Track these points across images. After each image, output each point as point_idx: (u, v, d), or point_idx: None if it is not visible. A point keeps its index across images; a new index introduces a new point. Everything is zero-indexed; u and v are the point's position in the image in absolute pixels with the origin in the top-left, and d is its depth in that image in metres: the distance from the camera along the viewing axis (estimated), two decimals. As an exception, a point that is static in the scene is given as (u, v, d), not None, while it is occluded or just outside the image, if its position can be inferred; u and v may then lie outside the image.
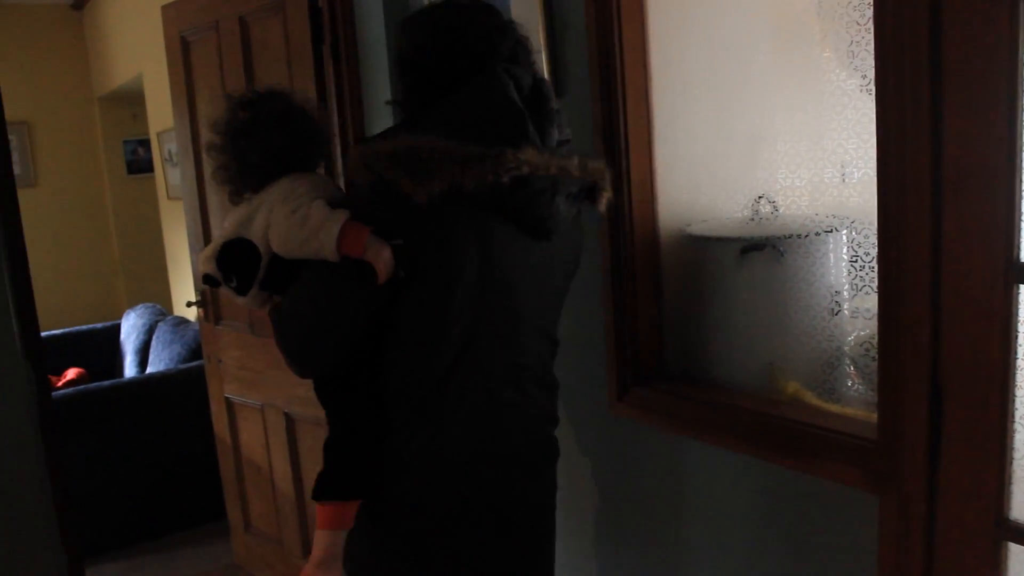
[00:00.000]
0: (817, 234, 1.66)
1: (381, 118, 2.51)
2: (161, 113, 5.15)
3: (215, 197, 3.21)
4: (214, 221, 3.23)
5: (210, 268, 1.62)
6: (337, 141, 2.58)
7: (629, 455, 1.99)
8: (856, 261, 1.62)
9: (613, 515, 2.07)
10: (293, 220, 1.48)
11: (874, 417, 1.50)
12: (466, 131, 1.43)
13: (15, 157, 6.01)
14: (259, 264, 1.58)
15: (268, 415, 3.14)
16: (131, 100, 6.23)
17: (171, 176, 5.31)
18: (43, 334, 2.32)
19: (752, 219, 1.82)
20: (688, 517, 1.85)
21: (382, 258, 1.42)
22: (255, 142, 1.60)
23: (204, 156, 3.22)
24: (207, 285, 1.67)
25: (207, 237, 3.25)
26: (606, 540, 2.12)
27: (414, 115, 1.54)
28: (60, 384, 4.87)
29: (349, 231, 1.42)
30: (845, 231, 1.69)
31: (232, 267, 1.60)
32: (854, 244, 1.64)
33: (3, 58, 5.86)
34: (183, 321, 4.70)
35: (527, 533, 1.68)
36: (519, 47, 1.57)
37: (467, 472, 1.56)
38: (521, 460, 1.63)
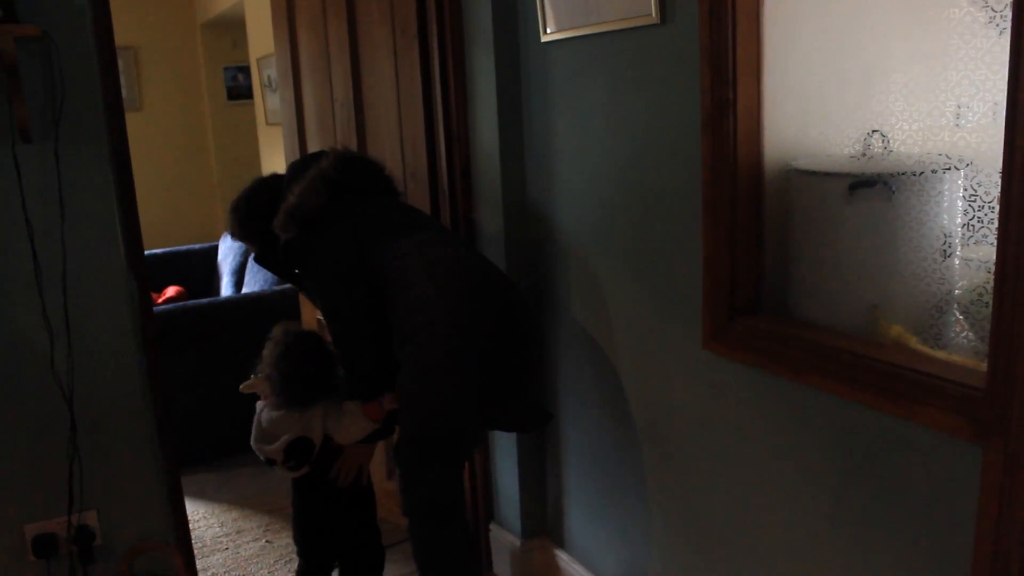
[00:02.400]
0: (934, 171, 1.58)
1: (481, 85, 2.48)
2: (261, 40, 5.21)
3: (313, 123, 3.24)
4: (312, 144, 3.26)
5: (279, 457, 2.42)
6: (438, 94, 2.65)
7: (719, 395, 1.96)
8: (975, 201, 1.54)
9: (699, 453, 2.05)
10: (346, 418, 2.43)
11: (982, 366, 1.44)
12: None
13: (122, 81, 6.16)
14: (313, 451, 2.43)
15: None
16: (231, 27, 6.31)
17: (270, 102, 5.38)
18: (145, 253, 2.38)
19: (862, 155, 1.74)
20: (776, 459, 1.82)
21: (388, 403, 2.39)
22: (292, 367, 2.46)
23: (304, 80, 3.24)
24: (266, 464, 2.49)
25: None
26: (690, 479, 2.10)
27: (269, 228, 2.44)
28: (160, 301, 5.04)
29: (368, 408, 2.40)
30: (963, 170, 1.61)
31: (295, 455, 2.42)
32: (974, 183, 1.55)
33: (112, -18, 5.97)
34: (278, 245, 4.79)
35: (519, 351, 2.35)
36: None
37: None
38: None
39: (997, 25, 1.51)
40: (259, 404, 2.51)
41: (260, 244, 2.57)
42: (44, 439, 2.24)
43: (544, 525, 2.82)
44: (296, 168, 2.49)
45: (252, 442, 2.46)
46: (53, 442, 2.24)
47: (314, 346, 2.51)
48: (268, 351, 2.49)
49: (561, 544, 2.75)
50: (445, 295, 2.19)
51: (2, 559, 2.25)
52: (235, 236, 2.69)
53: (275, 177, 2.61)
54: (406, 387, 2.26)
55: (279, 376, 2.42)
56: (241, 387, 2.51)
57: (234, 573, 3.07)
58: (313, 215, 2.33)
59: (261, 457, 2.44)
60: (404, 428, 2.31)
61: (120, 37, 2.38)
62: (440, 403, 2.23)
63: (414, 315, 2.20)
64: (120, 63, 2.40)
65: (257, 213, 2.51)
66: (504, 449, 2.80)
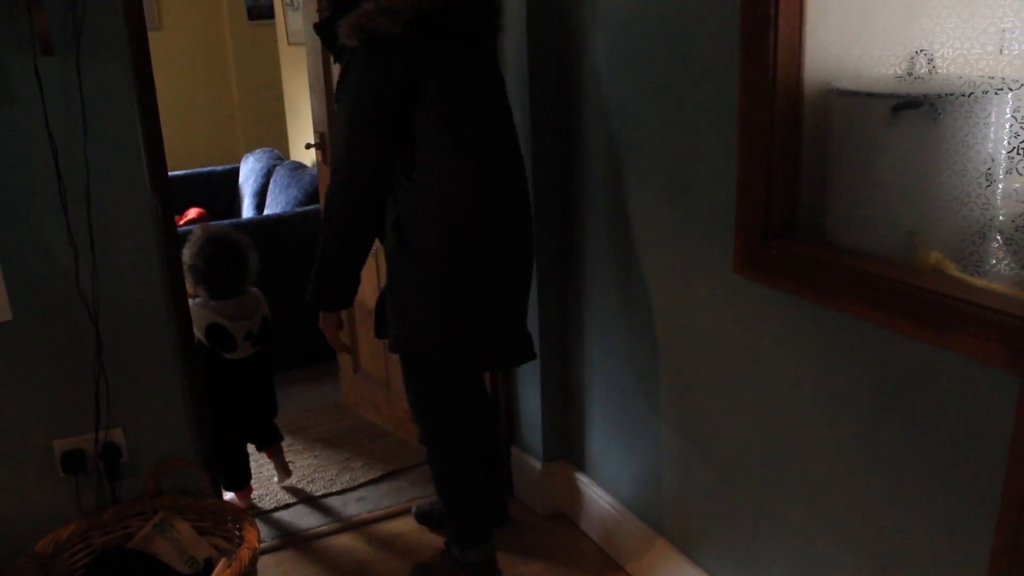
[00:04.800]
0: (985, 92, 1.51)
1: None
2: (282, -45, 5.10)
3: (336, 39, 3.17)
4: (336, 67, 3.20)
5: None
6: None
7: (747, 320, 1.93)
8: (1025, 123, 1.48)
9: (725, 380, 2.04)
10: None
11: (1023, 294, 1.40)
12: None
13: None
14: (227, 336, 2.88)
15: (380, 258, 3.17)
16: (252, -57, 6.18)
17: (291, 22, 5.28)
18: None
19: (907, 75, 1.68)
20: (805, 387, 1.80)
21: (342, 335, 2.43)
22: None
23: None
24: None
25: (327, 78, 3.24)
26: (715, 405, 2.09)
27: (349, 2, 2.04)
28: (182, 223, 5.03)
29: (324, 318, 2.36)
30: (1012, 93, 1.54)
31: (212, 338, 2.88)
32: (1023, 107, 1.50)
33: None
34: (300, 166, 4.76)
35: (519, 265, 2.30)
36: None
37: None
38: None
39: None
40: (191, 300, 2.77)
41: (329, 4, 2.20)
42: (71, 357, 2.25)
43: (565, 449, 2.84)
44: None
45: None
46: (80, 360, 2.25)
47: (225, 241, 2.92)
48: (185, 250, 2.81)
49: (582, 467, 2.77)
50: (451, 209, 2.12)
51: (32, 475, 2.29)
52: None
53: None
54: (389, 293, 2.24)
55: (199, 271, 2.85)
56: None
57: (257, 491, 3.11)
58: (382, 39, 1.99)
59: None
60: (392, 342, 2.29)
61: (139, -49, 2.32)
62: (419, 321, 2.20)
63: (417, 209, 2.13)
64: (139, -22, 2.33)
65: None
66: (527, 373, 2.80)
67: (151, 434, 2.39)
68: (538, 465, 2.84)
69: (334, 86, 3.19)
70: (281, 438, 3.19)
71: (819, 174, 1.79)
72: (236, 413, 2.96)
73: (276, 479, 3.19)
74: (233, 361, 2.91)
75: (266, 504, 3.04)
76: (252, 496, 3.08)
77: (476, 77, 2.15)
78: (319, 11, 2.34)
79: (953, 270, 1.59)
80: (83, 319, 2.22)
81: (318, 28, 2.22)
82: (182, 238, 3.68)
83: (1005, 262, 1.58)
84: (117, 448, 2.33)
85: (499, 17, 2.28)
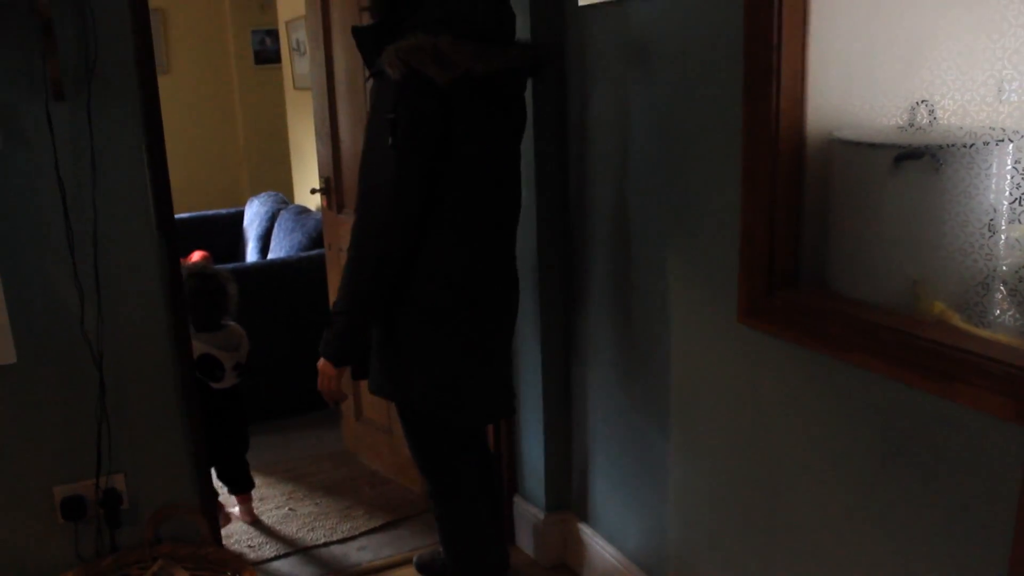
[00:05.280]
0: (985, 143, 1.53)
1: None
2: (290, 2, 5.17)
3: (343, 85, 3.20)
4: (341, 109, 3.23)
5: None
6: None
7: (751, 370, 1.92)
8: (1026, 174, 1.49)
9: (730, 430, 2.03)
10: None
11: (1029, 345, 1.40)
12: (463, 28, 1.93)
13: (150, 43, 6.13)
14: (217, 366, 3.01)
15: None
16: (260, -10, 6.28)
17: (298, 66, 5.34)
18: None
19: (908, 126, 1.69)
20: (811, 438, 1.79)
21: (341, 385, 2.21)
22: None
23: (334, 43, 3.20)
24: None
25: (334, 124, 3.27)
26: (720, 457, 2.07)
27: (400, 12, 1.98)
28: (186, 266, 5.05)
29: (325, 369, 2.16)
30: (1012, 144, 1.56)
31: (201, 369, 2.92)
32: (1025, 157, 1.50)
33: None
34: (304, 210, 4.78)
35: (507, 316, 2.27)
36: None
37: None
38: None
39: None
40: None
41: (378, 10, 2.07)
42: (73, 401, 2.25)
43: (568, 499, 2.81)
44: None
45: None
46: (82, 404, 2.25)
47: (206, 274, 3.05)
48: None
49: (585, 518, 2.74)
50: (453, 266, 2.06)
51: (31, 521, 2.27)
52: None
53: None
54: (381, 346, 2.15)
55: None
56: None
57: (257, 540, 3.08)
58: (424, 81, 1.89)
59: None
60: (402, 403, 2.24)
61: (150, -2, 2.36)
62: (441, 387, 2.14)
63: (439, 267, 2.04)
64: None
65: None
66: (530, 422, 2.79)
67: (152, 480, 2.38)
68: (541, 515, 2.82)
69: (339, 130, 3.23)
70: (252, 485, 3.22)
71: (822, 224, 1.80)
72: (211, 441, 2.96)
73: (237, 511, 3.22)
74: (214, 392, 3.00)
75: (266, 553, 3.01)
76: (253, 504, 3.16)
77: (500, 135, 2.12)
78: (361, 9, 2.19)
79: (957, 320, 1.58)
80: (87, 362, 2.22)
81: (357, 32, 2.08)
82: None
83: (1009, 313, 1.58)
84: (118, 494, 2.32)
85: (539, 73, 2.22)
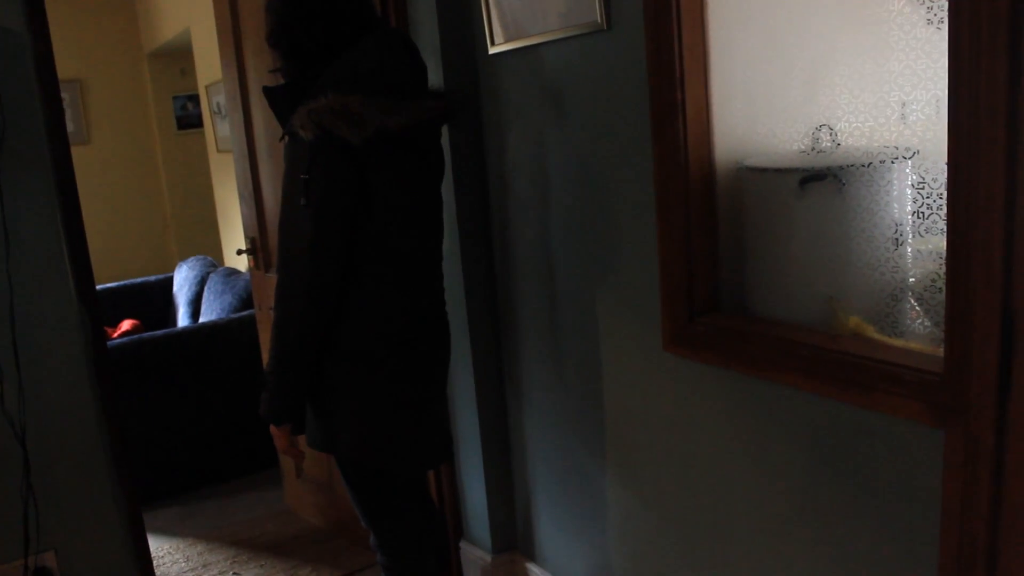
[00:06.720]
0: (882, 162, 1.59)
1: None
2: (209, 67, 5.16)
3: (263, 145, 3.21)
4: (263, 169, 3.23)
5: None
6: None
7: (681, 396, 1.95)
8: (923, 189, 1.56)
9: (666, 456, 2.05)
10: None
11: (939, 351, 1.45)
12: (374, 84, 1.90)
13: (68, 115, 6.08)
14: None
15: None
16: (179, 56, 6.26)
17: (220, 129, 5.33)
18: (98, 287, 2.34)
19: (811, 150, 1.76)
20: (743, 456, 1.82)
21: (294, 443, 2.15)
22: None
23: (252, 105, 3.21)
24: None
25: (256, 184, 3.26)
26: (658, 482, 2.09)
27: (311, 71, 1.96)
28: (116, 335, 4.95)
29: (275, 432, 2.10)
30: (910, 160, 1.63)
31: None
32: (921, 172, 1.57)
33: (54, 16, 5.91)
34: (234, 272, 4.74)
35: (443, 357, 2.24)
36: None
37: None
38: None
39: (929, 22, 1.53)
40: None
41: (284, 60, 2.04)
42: (-3, 479, 2.18)
43: (514, 539, 2.80)
44: (376, 64, 1.94)
45: None
46: (6, 482, 2.18)
47: None
48: None
49: (532, 557, 2.73)
50: (387, 315, 2.04)
51: (-42, 606, 2.19)
52: (269, 29, 2.04)
53: (374, 30, 2.02)
54: (340, 406, 2.08)
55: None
56: None
57: (202, 607, 3.00)
58: (337, 143, 1.87)
59: None
60: (340, 455, 2.17)
61: (66, 70, 2.36)
62: (380, 436, 2.10)
63: (350, 314, 2.01)
64: (66, 97, 2.37)
65: (311, 28, 1.98)
66: (470, 465, 2.78)
67: (86, 555, 2.31)
68: (488, 557, 2.80)
69: (262, 190, 3.23)
70: None
71: (738, 249, 1.85)
72: None
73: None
74: None
75: (211, 621, 2.93)
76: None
77: (422, 184, 2.11)
78: (271, 71, 2.13)
79: (872, 332, 1.64)
80: (9, 439, 2.16)
81: (268, 92, 2.05)
82: (115, 351, 3.63)
83: (919, 321, 1.64)
84: (49, 572, 2.25)
85: (453, 120, 2.26)
